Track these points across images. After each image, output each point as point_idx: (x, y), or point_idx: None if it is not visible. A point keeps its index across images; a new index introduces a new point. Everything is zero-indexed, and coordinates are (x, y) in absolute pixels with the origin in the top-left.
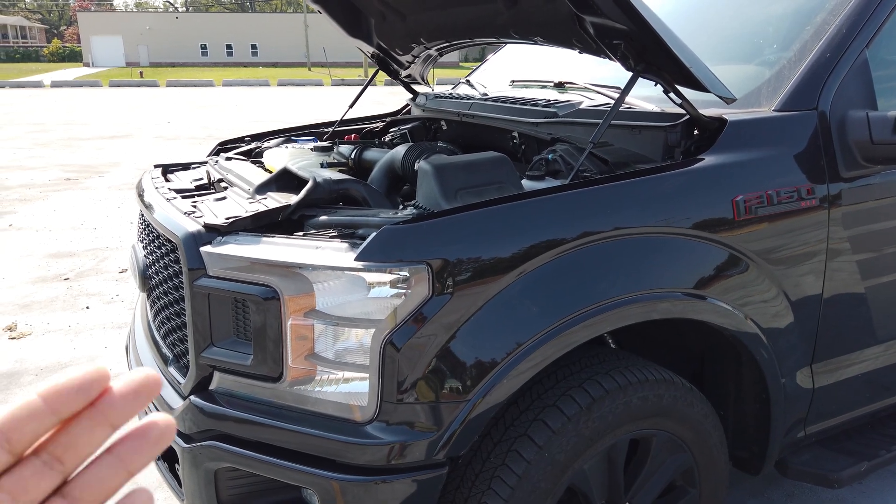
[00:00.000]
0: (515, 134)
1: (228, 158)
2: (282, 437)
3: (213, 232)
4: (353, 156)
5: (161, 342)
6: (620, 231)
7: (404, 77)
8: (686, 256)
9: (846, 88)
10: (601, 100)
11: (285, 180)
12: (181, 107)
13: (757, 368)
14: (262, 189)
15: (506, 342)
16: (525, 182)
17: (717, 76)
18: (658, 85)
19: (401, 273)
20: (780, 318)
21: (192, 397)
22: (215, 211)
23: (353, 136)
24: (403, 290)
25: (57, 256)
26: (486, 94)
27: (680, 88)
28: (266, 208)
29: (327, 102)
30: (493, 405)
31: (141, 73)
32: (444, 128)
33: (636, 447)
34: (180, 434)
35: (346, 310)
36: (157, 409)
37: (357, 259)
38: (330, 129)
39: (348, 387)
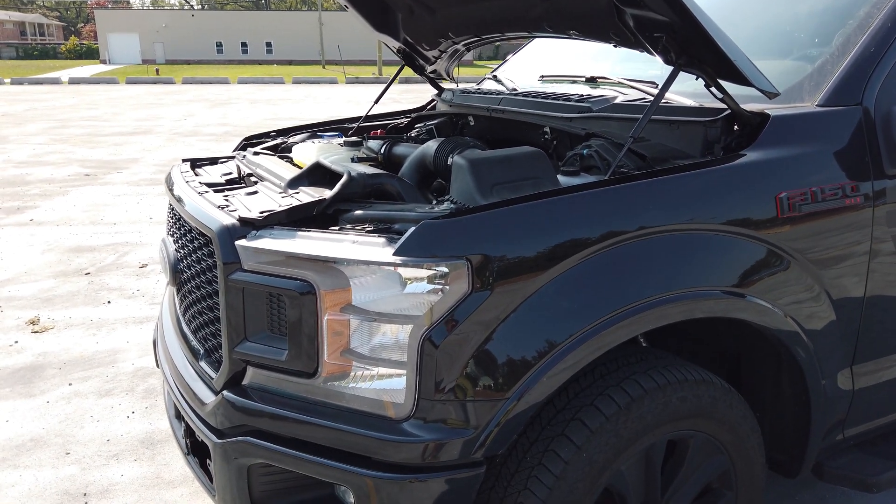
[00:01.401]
0: (547, 129)
1: (256, 153)
2: (316, 434)
3: (247, 226)
4: (382, 151)
5: (191, 336)
6: (661, 228)
7: (430, 73)
8: (728, 254)
9: (891, 83)
10: (635, 95)
11: (318, 175)
12: (198, 104)
13: (797, 369)
14: (295, 183)
15: (543, 341)
16: (561, 178)
17: (762, 71)
18: (699, 79)
19: (439, 269)
20: (822, 318)
21: (224, 392)
22: (248, 205)
23: (378, 131)
24: (441, 286)
25: (77, 251)
26: (515, 90)
27: (722, 83)
28: (300, 202)
29: (342, 99)
30: (532, 405)
31: (157, 70)
32: (472, 123)
33: (673, 448)
34: (212, 429)
35: (384, 305)
36: (186, 401)
37: (395, 254)
38: (355, 125)
39: (384, 383)
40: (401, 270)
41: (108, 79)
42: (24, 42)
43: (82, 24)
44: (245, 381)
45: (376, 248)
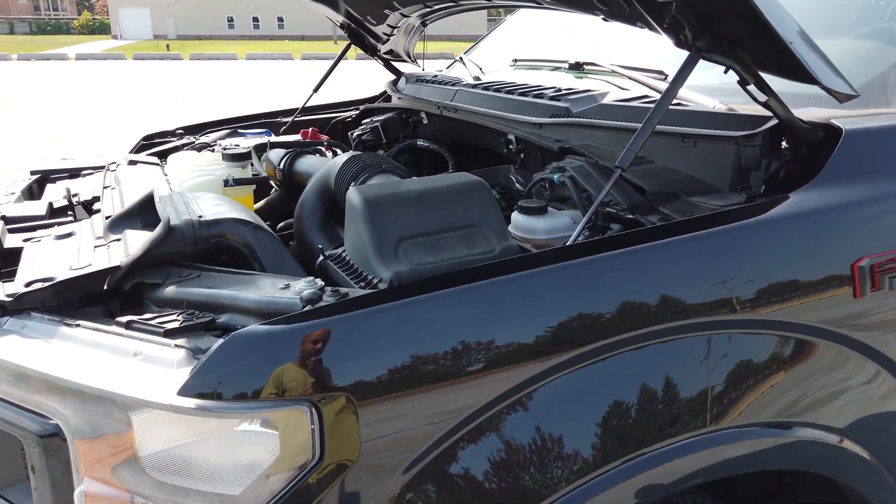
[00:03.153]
0: (512, 137)
1: (133, 162)
2: None
3: None
4: (282, 166)
5: None
6: (665, 327)
7: (384, 53)
8: (765, 364)
9: None
10: (635, 90)
11: (154, 212)
12: (202, 81)
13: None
14: (117, 225)
15: None
16: (516, 219)
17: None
18: (729, 72)
19: (257, 419)
20: None
21: None
22: (37, 261)
23: (311, 129)
24: (264, 447)
25: None
26: (478, 79)
27: (764, 76)
28: (85, 270)
29: (350, 77)
30: None
31: (167, 45)
32: (425, 121)
33: None
34: None
35: (175, 472)
36: None
37: (180, 392)
38: (290, 119)
39: None
40: (193, 419)
41: (115, 55)
42: (38, 17)
43: None
44: None
45: (160, 371)
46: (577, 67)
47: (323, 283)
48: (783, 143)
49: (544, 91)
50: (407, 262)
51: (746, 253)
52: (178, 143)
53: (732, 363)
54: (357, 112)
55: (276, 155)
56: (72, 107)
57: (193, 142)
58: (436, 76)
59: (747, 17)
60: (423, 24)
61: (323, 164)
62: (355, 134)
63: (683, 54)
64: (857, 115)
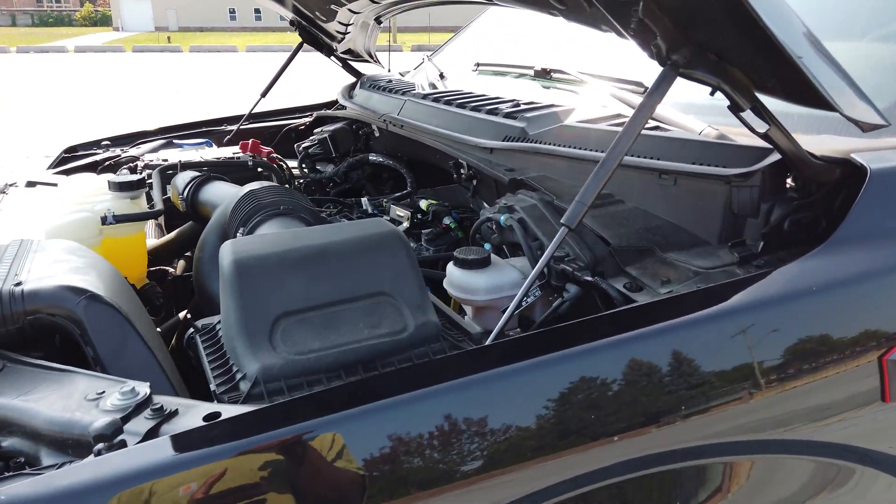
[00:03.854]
0: (462, 161)
1: (31, 184)
2: None
3: None
4: (185, 194)
5: None
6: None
7: (342, 53)
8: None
9: None
10: (610, 106)
11: None
12: (199, 74)
13: None
14: None
15: None
16: (451, 274)
17: (849, 76)
18: (716, 93)
19: None
20: None
21: None
22: None
23: (251, 141)
24: None
25: None
26: (433, 86)
27: (763, 99)
28: None
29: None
30: None
31: (168, 37)
32: (377, 134)
33: None
34: None
35: None
36: None
37: None
38: (234, 127)
39: None
40: None
41: (114, 47)
42: (40, 9)
43: None
44: None
45: None
46: (543, 75)
47: (146, 394)
48: (788, 183)
49: (500, 106)
50: (284, 350)
51: (736, 348)
52: (104, 155)
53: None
54: (311, 119)
55: (182, 180)
56: (59, 100)
57: (119, 155)
58: (390, 81)
59: (740, 21)
60: (378, 21)
61: (231, 195)
62: (302, 146)
63: (658, 69)
64: (886, 146)
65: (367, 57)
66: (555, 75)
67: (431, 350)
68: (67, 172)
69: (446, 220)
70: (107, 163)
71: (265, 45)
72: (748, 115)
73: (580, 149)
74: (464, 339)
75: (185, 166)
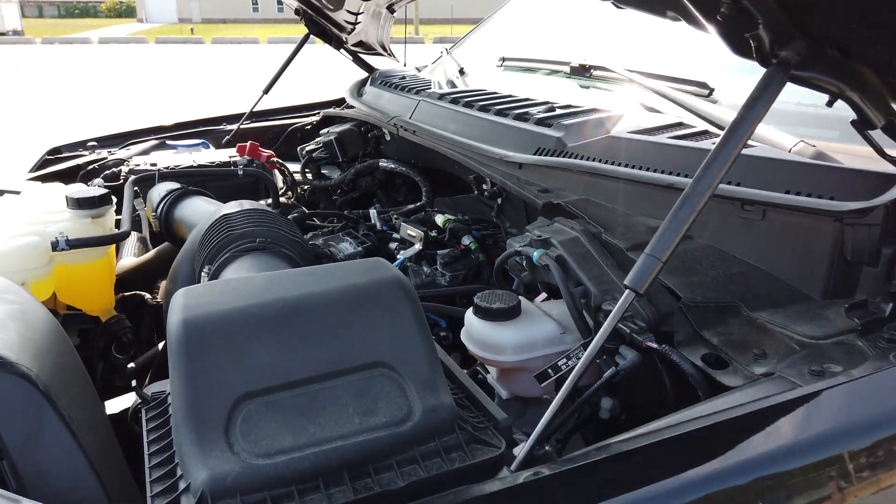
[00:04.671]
0: (485, 176)
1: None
2: None
3: None
4: (160, 211)
5: None
6: None
7: (352, 46)
8: None
9: None
10: (666, 111)
11: None
12: (220, 66)
13: None
14: None
15: None
16: (471, 324)
17: None
18: (834, 101)
19: None
20: None
21: None
22: None
23: (249, 144)
24: None
25: None
26: (451, 85)
27: None
28: None
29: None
30: None
31: (191, 29)
32: (388, 137)
33: None
34: None
35: None
36: None
37: None
38: (234, 127)
39: None
40: None
41: (137, 39)
42: (67, 0)
43: None
44: None
45: None
46: (581, 72)
47: None
48: None
49: (530, 110)
50: (244, 449)
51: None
52: (88, 158)
53: None
54: (317, 119)
55: (158, 194)
56: (76, 92)
57: (105, 158)
58: (403, 78)
59: (879, 2)
60: (391, 10)
61: (208, 214)
62: (306, 149)
63: (760, 70)
64: None
65: (379, 50)
66: (595, 73)
67: (443, 446)
68: (44, 179)
69: (465, 240)
70: (90, 167)
71: (287, 36)
72: (878, 134)
73: (634, 167)
74: (486, 427)
75: (163, 176)
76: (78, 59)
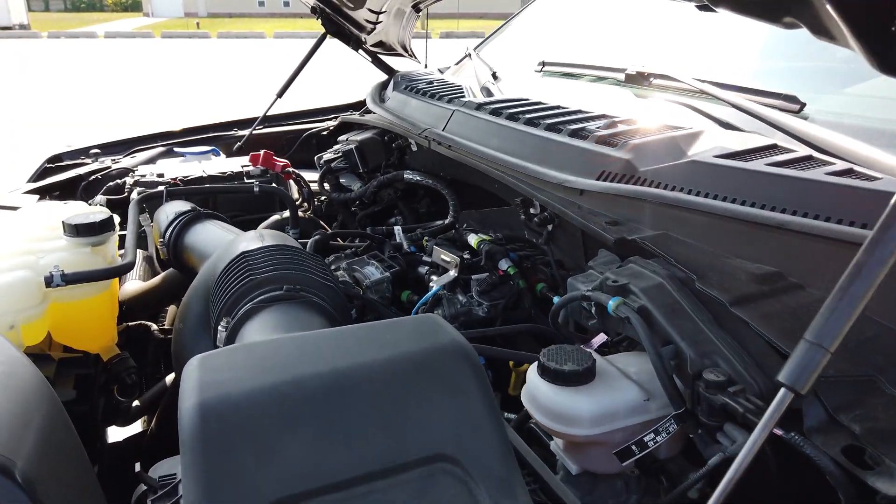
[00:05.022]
0: (537, 201)
1: None
2: None
3: None
4: (167, 238)
5: None
6: None
7: (371, 46)
8: None
9: None
10: (749, 133)
11: None
12: (226, 61)
13: None
14: None
15: None
16: (535, 387)
17: None
18: None
19: None
20: None
21: None
22: None
23: (262, 153)
24: None
25: None
26: (486, 92)
27: None
28: None
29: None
30: None
31: (197, 23)
32: (415, 149)
33: None
34: None
35: None
36: None
37: None
38: (247, 133)
39: None
40: None
41: (143, 33)
42: None
43: None
44: None
45: None
46: (637, 80)
47: None
48: None
49: (587, 125)
50: None
51: None
52: (91, 167)
53: None
54: (335, 124)
55: (166, 216)
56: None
57: (109, 167)
58: (431, 83)
59: None
60: (417, 10)
61: (223, 244)
62: (324, 158)
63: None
64: None
65: (400, 51)
66: (655, 81)
67: None
68: (43, 191)
69: (503, 264)
70: (92, 177)
71: (293, 31)
72: None
73: (727, 199)
74: None
75: (172, 194)
76: (84, 54)
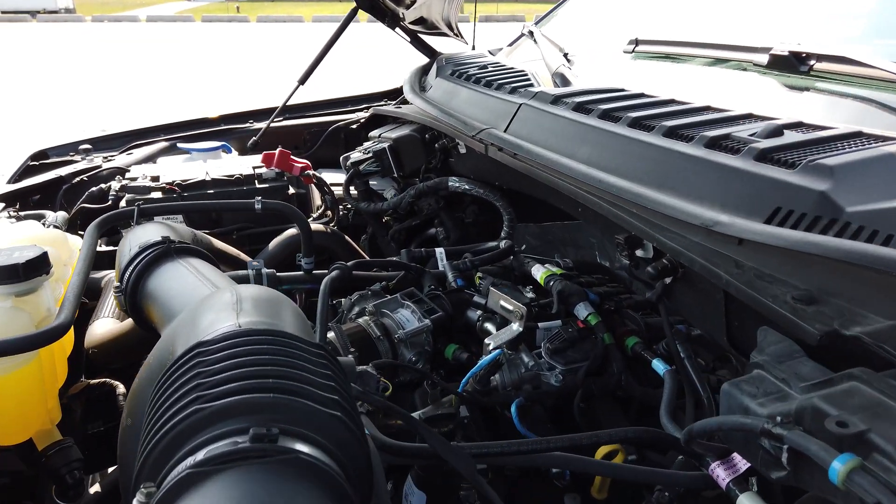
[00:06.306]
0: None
1: None
2: None
3: None
4: (127, 279)
5: None
6: None
7: (410, 23)
8: None
9: None
10: None
11: None
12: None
13: None
14: None
15: None
16: None
17: None
18: None
19: None
20: None
21: None
22: None
23: (279, 150)
24: None
25: None
26: (561, 80)
27: None
28: None
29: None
30: None
31: (237, 7)
32: (462, 150)
33: None
34: None
35: None
36: None
37: None
38: (263, 125)
39: None
40: None
41: (184, 17)
42: None
43: None
44: None
45: None
46: (790, 65)
47: None
48: None
49: (735, 129)
50: None
51: None
52: (78, 167)
53: None
54: (367, 116)
55: (129, 251)
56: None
57: (99, 166)
58: (485, 67)
59: None
60: None
61: (192, 301)
62: (351, 159)
63: None
64: None
65: (445, 29)
66: (820, 66)
67: None
68: (20, 194)
69: (582, 311)
70: (76, 179)
71: (332, 14)
72: None
73: None
74: None
75: (144, 212)
76: (125, 37)
